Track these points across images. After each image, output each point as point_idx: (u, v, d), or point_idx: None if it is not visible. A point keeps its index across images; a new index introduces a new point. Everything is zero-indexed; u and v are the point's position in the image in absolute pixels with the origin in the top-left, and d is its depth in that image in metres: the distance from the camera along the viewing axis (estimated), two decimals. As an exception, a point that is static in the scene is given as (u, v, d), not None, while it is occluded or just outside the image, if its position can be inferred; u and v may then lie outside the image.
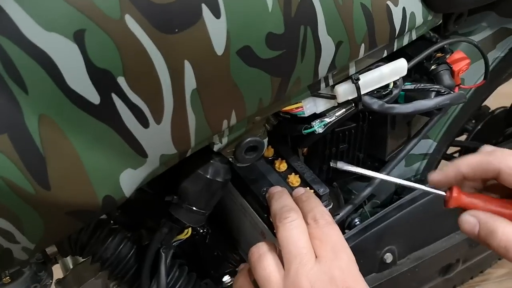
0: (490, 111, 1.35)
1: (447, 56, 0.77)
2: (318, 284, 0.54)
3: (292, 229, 0.59)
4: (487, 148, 0.60)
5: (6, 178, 0.43)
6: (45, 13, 0.42)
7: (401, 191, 1.04)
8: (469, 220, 0.57)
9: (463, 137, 1.36)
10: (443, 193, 0.62)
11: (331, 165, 0.70)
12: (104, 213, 0.53)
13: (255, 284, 0.60)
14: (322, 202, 0.67)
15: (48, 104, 0.44)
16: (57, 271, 0.86)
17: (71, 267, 0.91)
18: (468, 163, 0.58)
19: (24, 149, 0.43)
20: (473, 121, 1.35)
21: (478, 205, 0.59)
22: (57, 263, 0.87)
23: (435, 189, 0.63)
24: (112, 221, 0.78)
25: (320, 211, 0.62)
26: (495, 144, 0.96)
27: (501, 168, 0.55)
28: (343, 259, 0.57)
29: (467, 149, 1.33)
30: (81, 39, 0.43)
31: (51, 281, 0.78)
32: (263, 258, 0.59)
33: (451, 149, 1.29)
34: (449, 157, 1.34)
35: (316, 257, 0.57)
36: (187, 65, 0.49)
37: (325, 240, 0.58)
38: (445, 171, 0.60)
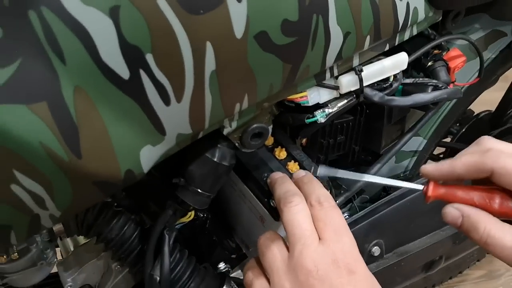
0: (474, 114, 1.39)
1: (444, 53, 0.81)
2: (321, 264, 0.56)
3: (296, 212, 0.61)
4: (484, 145, 0.58)
5: (44, 144, 0.45)
6: None
7: (389, 187, 1.06)
8: (452, 213, 0.58)
9: (447, 140, 1.39)
10: (421, 187, 0.62)
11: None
12: (124, 186, 0.54)
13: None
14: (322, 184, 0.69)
15: (83, 76, 0.46)
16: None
17: (72, 249, 0.92)
18: (463, 164, 0.58)
19: (60, 117, 0.45)
20: (458, 124, 1.38)
21: (458, 198, 0.59)
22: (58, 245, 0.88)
23: (413, 184, 0.64)
24: (116, 204, 0.80)
25: (324, 194, 0.63)
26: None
27: (494, 169, 0.55)
28: (345, 242, 0.59)
29: (452, 150, 1.36)
30: (116, 14, 0.45)
31: (55, 259, 0.79)
32: (269, 241, 0.62)
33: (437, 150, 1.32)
34: (435, 158, 1.38)
35: (319, 239, 0.59)
36: (209, 46, 0.51)
37: (328, 222, 0.60)
38: (440, 166, 0.60)
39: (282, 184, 0.67)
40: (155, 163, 0.58)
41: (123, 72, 0.48)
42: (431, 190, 0.60)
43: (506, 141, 0.57)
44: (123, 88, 0.49)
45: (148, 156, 0.55)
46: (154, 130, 0.54)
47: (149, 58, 0.48)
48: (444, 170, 0.60)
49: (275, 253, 0.60)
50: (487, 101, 1.26)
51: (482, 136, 0.60)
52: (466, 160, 0.58)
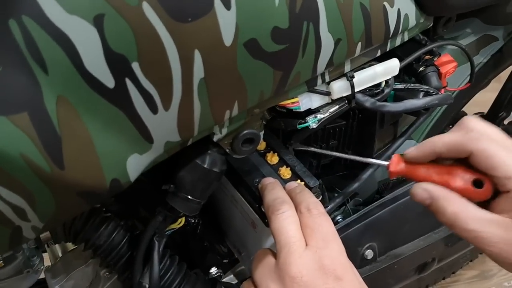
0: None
1: (435, 59, 0.80)
2: (306, 271, 0.56)
3: (284, 220, 0.61)
4: (466, 125, 0.58)
5: (25, 155, 0.44)
6: None
7: (382, 190, 1.06)
8: (420, 194, 0.58)
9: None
10: (385, 163, 0.63)
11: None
12: (110, 196, 0.53)
13: None
14: (313, 194, 0.69)
15: (66, 86, 0.45)
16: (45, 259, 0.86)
17: (60, 255, 0.91)
18: (444, 143, 0.58)
19: (42, 128, 0.44)
20: (451, 126, 1.37)
21: (419, 174, 0.60)
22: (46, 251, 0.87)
23: (378, 160, 0.67)
24: (104, 209, 0.79)
25: (314, 202, 0.63)
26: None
27: (473, 150, 0.55)
28: (333, 248, 0.59)
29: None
30: (100, 23, 0.44)
31: (42, 266, 0.78)
32: (260, 255, 0.62)
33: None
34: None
35: (306, 245, 0.59)
36: (197, 54, 0.50)
37: (316, 229, 0.60)
38: (421, 146, 0.60)
39: (271, 190, 0.67)
40: (142, 171, 0.57)
41: (108, 81, 0.47)
42: (394, 165, 0.62)
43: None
44: (108, 97, 0.48)
45: (135, 164, 0.55)
46: (141, 138, 0.53)
47: (135, 66, 0.47)
48: (426, 150, 0.60)
49: (263, 263, 0.60)
50: (480, 102, 1.26)
51: (465, 116, 0.60)
52: (447, 139, 0.58)
